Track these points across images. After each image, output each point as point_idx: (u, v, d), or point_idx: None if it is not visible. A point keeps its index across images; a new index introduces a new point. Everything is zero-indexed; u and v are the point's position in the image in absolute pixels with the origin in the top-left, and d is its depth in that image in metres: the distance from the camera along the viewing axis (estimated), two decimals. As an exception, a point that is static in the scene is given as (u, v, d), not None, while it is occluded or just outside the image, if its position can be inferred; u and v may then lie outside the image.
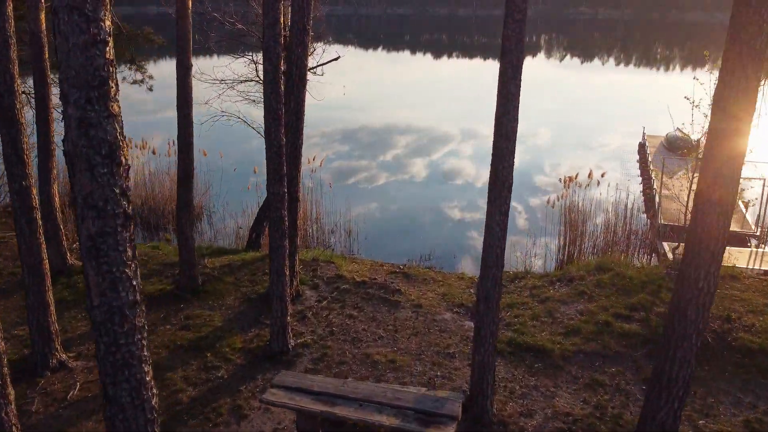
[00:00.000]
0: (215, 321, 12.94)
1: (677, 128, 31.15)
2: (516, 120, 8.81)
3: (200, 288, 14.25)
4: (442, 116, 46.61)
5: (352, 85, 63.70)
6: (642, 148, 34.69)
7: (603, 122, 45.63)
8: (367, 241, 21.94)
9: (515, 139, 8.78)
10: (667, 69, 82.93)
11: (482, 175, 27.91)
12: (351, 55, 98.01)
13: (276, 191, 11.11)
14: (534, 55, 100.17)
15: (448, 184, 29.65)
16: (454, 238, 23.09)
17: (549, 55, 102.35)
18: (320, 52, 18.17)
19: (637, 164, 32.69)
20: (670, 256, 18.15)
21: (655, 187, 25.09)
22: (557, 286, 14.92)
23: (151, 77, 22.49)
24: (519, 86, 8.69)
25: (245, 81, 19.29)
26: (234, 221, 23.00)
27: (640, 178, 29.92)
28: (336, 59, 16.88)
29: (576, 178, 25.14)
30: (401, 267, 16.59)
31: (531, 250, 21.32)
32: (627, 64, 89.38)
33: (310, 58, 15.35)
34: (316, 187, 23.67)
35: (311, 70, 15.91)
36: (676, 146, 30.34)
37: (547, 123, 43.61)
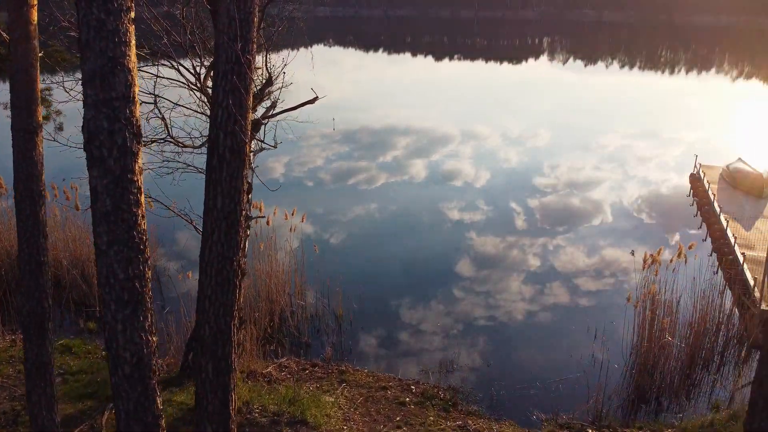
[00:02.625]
0: None
1: (739, 159, 29.35)
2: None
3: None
4: (442, 123, 47.34)
5: (351, 86, 64.77)
6: (696, 183, 28.82)
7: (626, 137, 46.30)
8: (367, 323, 16.85)
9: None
10: (672, 72, 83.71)
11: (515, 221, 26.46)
12: (351, 56, 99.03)
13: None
14: (537, 58, 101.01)
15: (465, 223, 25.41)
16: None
17: (553, 57, 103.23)
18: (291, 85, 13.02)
19: (694, 207, 26.50)
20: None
21: (736, 248, 20.05)
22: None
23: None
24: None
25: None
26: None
27: (704, 229, 23.92)
28: (312, 101, 11.54)
29: (659, 255, 15.28)
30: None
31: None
32: (644, 68, 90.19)
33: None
34: (297, 250, 18.51)
35: (268, 119, 12.00)
36: (742, 183, 26.64)
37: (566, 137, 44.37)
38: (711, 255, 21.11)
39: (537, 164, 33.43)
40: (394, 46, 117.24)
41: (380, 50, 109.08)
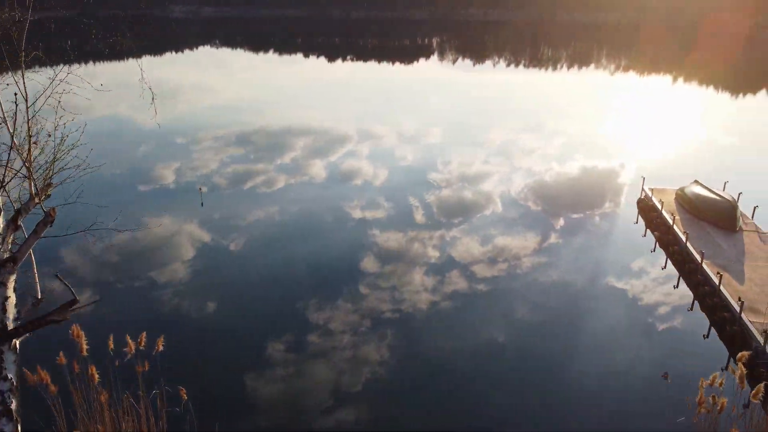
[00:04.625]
0: None
1: (695, 181, 26.28)
2: None
3: None
4: (340, 124, 48.06)
5: (243, 88, 64.00)
6: (649, 211, 25.82)
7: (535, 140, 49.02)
8: (274, 330, 16.52)
9: None
10: (555, 68, 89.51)
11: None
12: (240, 57, 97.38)
13: None
14: (428, 57, 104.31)
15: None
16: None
17: (443, 57, 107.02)
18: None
19: (649, 240, 23.71)
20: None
21: (727, 297, 17.60)
22: None
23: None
24: None
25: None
26: None
27: (668, 271, 21.07)
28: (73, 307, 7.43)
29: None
30: None
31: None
32: (530, 65, 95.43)
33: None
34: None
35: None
36: (708, 212, 23.46)
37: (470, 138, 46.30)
38: (694, 309, 18.30)
39: (431, 160, 34.92)
40: (286, 46, 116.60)
41: (271, 51, 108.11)
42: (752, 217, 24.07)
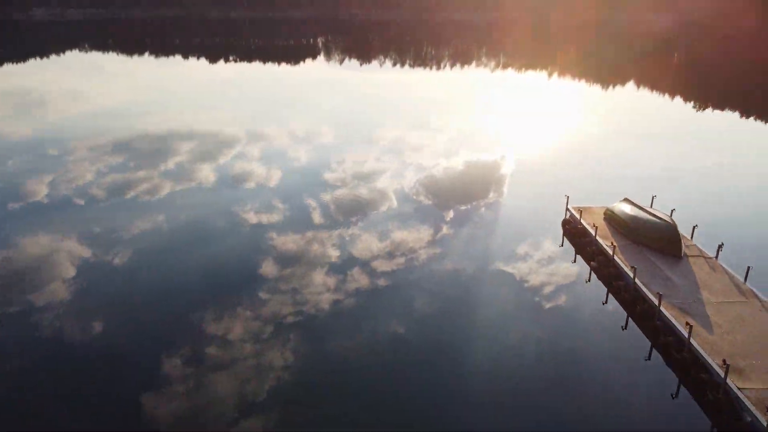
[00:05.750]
0: None
1: (625, 199, 23.46)
2: None
3: None
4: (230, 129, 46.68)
5: (119, 92, 60.44)
6: (577, 235, 23.25)
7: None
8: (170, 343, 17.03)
9: None
10: (439, 67, 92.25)
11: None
12: (114, 62, 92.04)
13: None
14: (314, 57, 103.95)
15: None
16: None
17: (330, 57, 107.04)
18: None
19: (577, 267, 21.50)
20: None
21: (704, 355, 14.98)
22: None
23: None
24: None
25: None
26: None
27: (610, 306, 18.76)
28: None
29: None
30: None
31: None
32: (414, 64, 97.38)
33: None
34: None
35: None
36: (648, 236, 20.85)
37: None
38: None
39: (324, 159, 34.75)
40: (163, 48, 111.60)
41: (147, 54, 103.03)
42: (691, 237, 21.73)
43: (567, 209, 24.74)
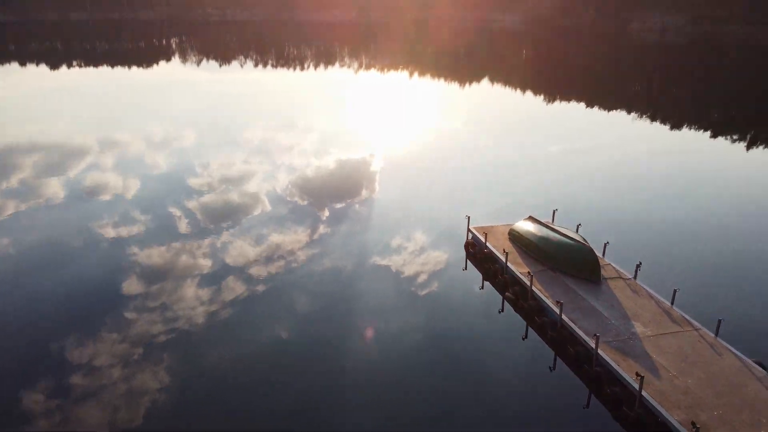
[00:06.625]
0: None
1: (530, 217, 21.07)
2: None
3: None
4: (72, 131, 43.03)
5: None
6: (481, 258, 21.10)
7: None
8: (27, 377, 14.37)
9: None
10: (303, 67, 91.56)
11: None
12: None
13: None
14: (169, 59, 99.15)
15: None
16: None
17: (185, 58, 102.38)
18: None
19: (493, 294, 19.28)
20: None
21: (667, 417, 12.64)
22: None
23: None
24: None
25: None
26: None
27: (530, 332, 16.95)
28: None
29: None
30: None
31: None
32: (277, 64, 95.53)
33: None
34: None
35: None
36: (559, 259, 18.92)
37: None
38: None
39: (188, 165, 33.13)
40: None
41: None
42: (603, 254, 20.03)
43: (469, 230, 22.23)
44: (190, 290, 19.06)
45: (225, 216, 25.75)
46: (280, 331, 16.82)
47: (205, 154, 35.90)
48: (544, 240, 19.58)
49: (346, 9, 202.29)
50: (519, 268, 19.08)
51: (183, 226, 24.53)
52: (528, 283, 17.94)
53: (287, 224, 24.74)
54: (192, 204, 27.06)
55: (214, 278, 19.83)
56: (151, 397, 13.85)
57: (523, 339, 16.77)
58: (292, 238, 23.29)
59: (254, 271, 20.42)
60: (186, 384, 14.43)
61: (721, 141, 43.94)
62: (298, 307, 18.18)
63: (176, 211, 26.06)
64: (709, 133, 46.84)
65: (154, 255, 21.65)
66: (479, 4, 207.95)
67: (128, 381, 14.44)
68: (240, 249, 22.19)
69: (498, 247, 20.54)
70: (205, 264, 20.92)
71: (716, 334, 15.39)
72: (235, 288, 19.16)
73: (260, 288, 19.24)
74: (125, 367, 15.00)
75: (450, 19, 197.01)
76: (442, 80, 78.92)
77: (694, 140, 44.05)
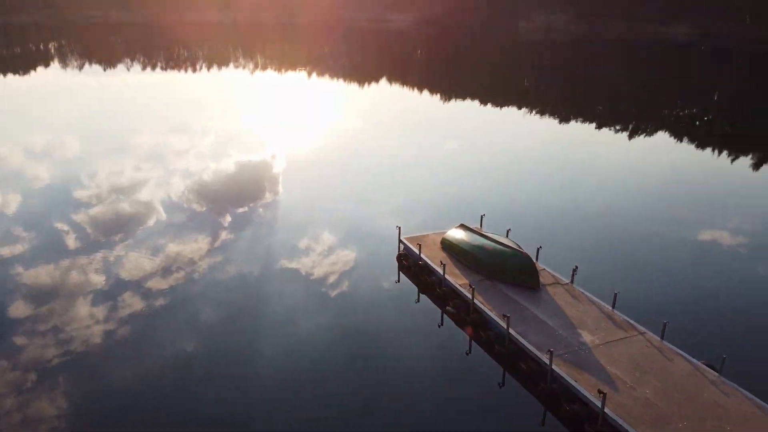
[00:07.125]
0: None
1: (462, 225, 20.65)
2: None
3: None
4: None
5: None
6: (416, 271, 20.19)
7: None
8: None
9: None
10: (195, 69, 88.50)
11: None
12: None
13: None
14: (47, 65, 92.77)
15: None
16: None
17: (66, 63, 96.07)
18: None
19: (432, 308, 18.35)
20: None
21: None
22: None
23: None
24: None
25: None
26: None
27: (476, 348, 16.13)
28: None
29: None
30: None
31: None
32: (167, 67, 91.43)
33: None
34: None
35: None
36: (496, 268, 18.36)
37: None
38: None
39: (73, 175, 31.06)
40: None
41: None
42: (536, 258, 19.71)
43: (400, 241, 21.35)
44: (84, 309, 17.90)
45: (117, 228, 24.39)
46: (184, 344, 16.16)
47: (91, 164, 33.82)
48: (476, 247, 19.06)
49: (235, 9, 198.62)
50: (457, 279, 18.28)
51: (71, 241, 22.99)
52: (469, 296, 17.09)
53: (185, 232, 23.82)
54: (80, 217, 25.42)
55: (109, 295, 18.74)
56: (50, 425, 12.88)
57: (467, 354, 15.88)
58: (192, 246, 22.45)
59: (153, 284, 19.49)
60: (86, 407, 13.53)
61: (614, 133, 46.88)
62: (203, 318, 17.56)
63: (63, 226, 24.38)
64: (595, 125, 49.94)
65: (42, 274, 20.15)
66: (370, 5, 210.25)
67: (22, 410, 13.35)
68: (135, 262, 21.11)
69: (433, 258, 19.63)
70: (98, 280, 19.73)
71: (662, 338, 15.21)
72: (132, 303, 18.20)
73: (160, 301, 18.40)
74: (18, 396, 13.87)
75: (330, 18, 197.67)
76: (342, 81, 78.99)
77: (582, 133, 46.81)
